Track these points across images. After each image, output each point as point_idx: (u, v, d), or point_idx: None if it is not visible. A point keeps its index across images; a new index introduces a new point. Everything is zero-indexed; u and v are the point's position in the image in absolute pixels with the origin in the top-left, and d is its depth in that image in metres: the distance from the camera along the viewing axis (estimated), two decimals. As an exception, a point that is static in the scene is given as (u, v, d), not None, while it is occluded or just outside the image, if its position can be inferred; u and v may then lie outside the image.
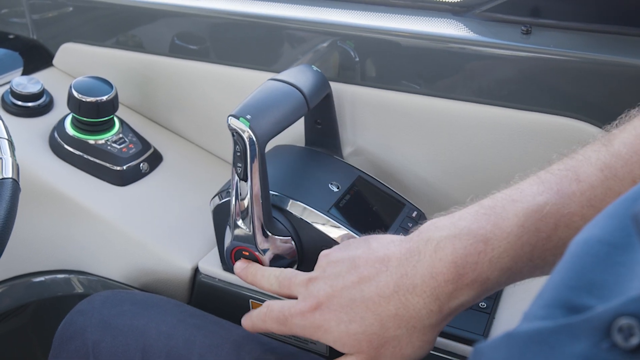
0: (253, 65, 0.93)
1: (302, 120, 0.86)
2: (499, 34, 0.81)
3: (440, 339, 0.69)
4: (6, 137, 0.70)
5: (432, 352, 0.59)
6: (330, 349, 0.78)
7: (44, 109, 0.99)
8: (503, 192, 0.55)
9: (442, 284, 0.53)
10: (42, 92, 0.99)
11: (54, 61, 1.10)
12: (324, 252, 0.63)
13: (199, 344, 0.73)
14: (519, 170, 0.81)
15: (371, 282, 0.56)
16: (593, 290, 0.33)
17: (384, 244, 0.59)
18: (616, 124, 0.55)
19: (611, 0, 0.79)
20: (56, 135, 0.93)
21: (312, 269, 0.74)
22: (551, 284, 0.36)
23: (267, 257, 0.72)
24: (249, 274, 0.71)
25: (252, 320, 0.66)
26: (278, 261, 0.73)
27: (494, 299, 0.74)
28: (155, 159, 0.98)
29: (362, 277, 0.57)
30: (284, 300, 0.63)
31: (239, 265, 0.72)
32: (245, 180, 0.69)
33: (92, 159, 0.92)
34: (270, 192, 0.72)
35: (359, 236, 0.71)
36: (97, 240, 0.89)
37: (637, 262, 0.33)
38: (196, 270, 0.84)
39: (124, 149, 0.93)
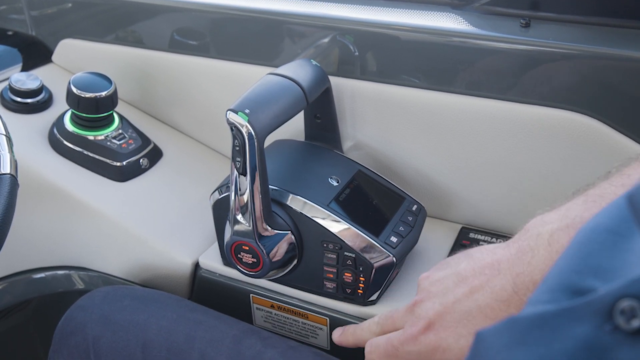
0: (252, 60, 0.93)
1: (301, 115, 0.86)
2: (498, 27, 0.80)
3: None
4: (4, 133, 0.70)
5: None
6: (332, 342, 0.78)
7: (43, 105, 0.99)
8: (607, 181, 0.52)
9: None
10: (41, 89, 0.99)
11: (53, 57, 1.10)
12: (423, 275, 0.59)
13: (200, 339, 0.73)
14: (518, 163, 0.81)
15: (484, 289, 0.52)
16: (598, 273, 0.33)
17: (488, 251, 0.55)
18: None
19: (610, -8, 0.79)
20: (55, 131, 0.93)
21: (312, 264, 0.75)
22: (556, 270, 0.36)
23: (267, 252, 0.72)
24: (349, 336, 0.68)
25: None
26: (278, 256, 0.73)
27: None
28: (155, 155, 0.98)
29: (474, 287, 0.53)
30: (390, 333, 0.59)
31: (335, 333, 0.69)
32: (245, 175, 0.69)
33: (91, 154, 0.92)
34: (270, 186, 0.72)
35: (359, 230, 0.71)
36: (98, 236, 0.89)
37: (630, 249, 0.33)
38: (196, 266, 0.84)
39: (123, 145, 0.93)
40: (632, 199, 0.34)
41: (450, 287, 0.55)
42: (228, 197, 0.73)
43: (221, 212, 0.77)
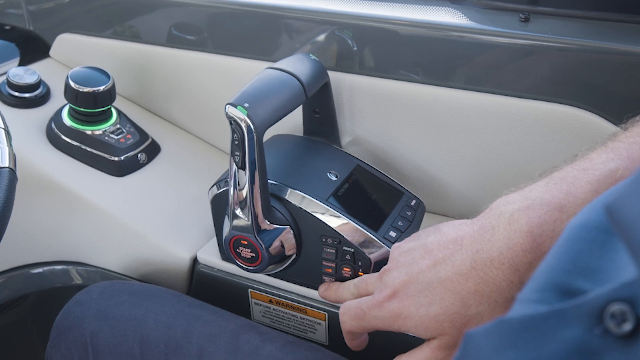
0: (251, 54, 0.93)
1: (300, 110, 0.86)
2: (497, 21, 0.80)
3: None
4: (3, 126, 0.69)
5: (421, 339, 0.59)
6: (330, 336, 0.78)
7: (41, 99, 0.98)
8: (571, 165, 0.54)
9: (520, 254, 0.52)
10: (39, 83, 0.99)
11: (51, 52, 1.09)
12: (395, 245, 0.62)
13: (198, 333, 0.73)
14: (517, 157, 0.81)
15: (446, 262, 0.55)
16: (588, 274, 0.33)
17: (455, 226, 0.58)
18: None
19: (610, -13, 0.79)
20: (53, 126, 0.93)
21: (311, 259, 0.74)
22: (546, 267, 0.36)
23: (265, 247, 0.71)
24: (331, 293, 0.72)
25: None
26: (277, 250, 0.73)
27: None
28: (153, 150, 0.98)
29: (437, 259, 0.56)
30: (361, 298, 0.62)
31: (321, 288, 0.74)
32: (244, 169, 0.69)
33: (89, 149, 0.91)
34: (269, 181, 0.72)
35: (358, 225, 0.71)
36: (95, 231, 0.89)
37: (618, 250, 0.33)
38: (195, 260, 0.84)
39: (121, 140, 0.93)
40: (610, 208, 0.34)
41: (416, 259, 0.58)
42: (227, 191, 0.73)
43: (220, 206, 0.77)
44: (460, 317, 0.55)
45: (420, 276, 0.57)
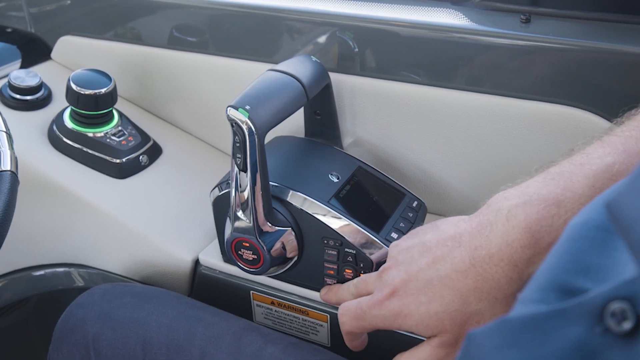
0: (252, 56, 0.93)
1: (301, 111, 0.86)
2: (498, 22, 0.80)
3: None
4: (4, 129, 0.69)
5: (422, 339, 0.59)
6: (332, 338, 0.78)
7: (43, 102, 0.99)
8: (568, 159, 0.54)
9: (518, 250, 0.52)
10: (41, 85, 0.99)
11: (52, 54, 1.10)
12: (394, 243, 0.62)
13: (200, 335, 0.73)
14: (518, 158, 0.81)
15: (445, 260, 0.55)
16: (589, 273, 0.33)
17: (453, 223, 0.58)
18: None
19: (611, -12, 0.79)
20: (55, 128, 0.93)
21: (312, 261, 0.74)
22: (547, 267, 0.36)
23: (267, 248, 0.71)
24: (332, 295, 0.72)
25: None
26: (278, 252, 0.73)
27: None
28: (155, 152, 0.98)
29: (436, 257, 0.56)
30: (360, 298, 0.62)
31: (322, 291, 0.74)
32: (245, 171, 0.69)
33: (91, 151, 0.91)
34: (270, 183, 0.72)
35: (360, 226, 0.71)
36: (97, 234, 0.89)
37: (619, 248, 0.33)
38: (196, 262, 0.84)
39: (123, 142, 0.93)
40: (610, 206, 0.34)
41: (415, 257, 0.58)
42: (228, 193, 0.73)
43: (221, 208, 0.77)
44: (460, 315, 0.55)
45: (419, 274, 0.56)
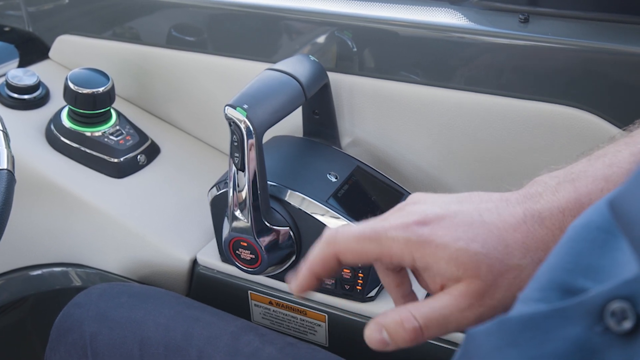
0: (250, 56, 0.93)
1: (299, 111, 0.86)
2: (497, 22, 0.80)
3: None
4: (1, 128, 0.69)
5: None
6: (330, 338, 0.78)
7: (40, 101, 0.98)
8: (611, 143, 0.52)
9: (569, 218, 0.47)
10: (38, 85, 0.99)
11: (50, 53, 1.09)
12: (413, 195, 0.53)
13: (197, 335, 0.72)
14: (517, 158, 0.81)
15: (492, 211, 0.48)
16: (589, 273, 0.33)
17: (488, 194, 0.51)
18: None
19: (610, -13, 0.79)
20: (52, 127, 0.93)
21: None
22: (548, 267, 0.36)
23: (265, 248, 0.71)
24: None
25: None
26: (276, 252, 0.73)
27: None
28: (153, 151, 0.97)
29: (481, 208, 0.48)
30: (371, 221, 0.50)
31: (291, 282, 0.55)
32: (243, 171, 0.69)
33: (89, 151, 0.91)
34: (268, 182, 0.72)
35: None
36: (95, 233, 0.89)
37: (620, 248, 0.32)
38: (194, 262, 0.84)
39: (121, 141, 0.93)
40: (613, 203, 0.34)
41: (453, 201, 0.50)
42: (226, 193, 0.73)
43: (219, 208, 0.77)
44: (500, 264, 0.47)
45: (459, 214, 0.48)
